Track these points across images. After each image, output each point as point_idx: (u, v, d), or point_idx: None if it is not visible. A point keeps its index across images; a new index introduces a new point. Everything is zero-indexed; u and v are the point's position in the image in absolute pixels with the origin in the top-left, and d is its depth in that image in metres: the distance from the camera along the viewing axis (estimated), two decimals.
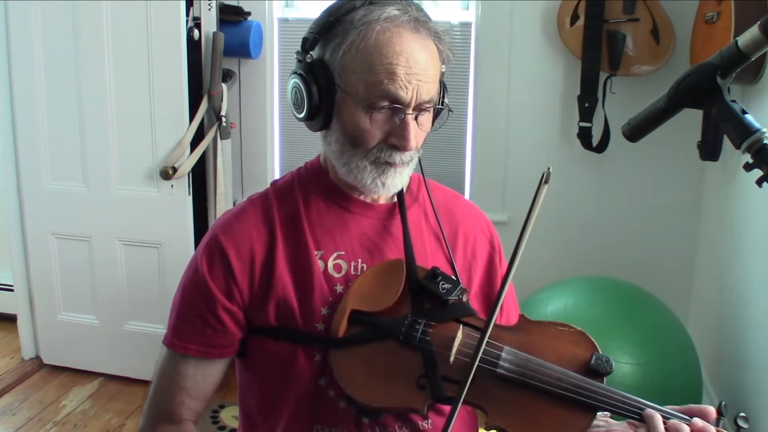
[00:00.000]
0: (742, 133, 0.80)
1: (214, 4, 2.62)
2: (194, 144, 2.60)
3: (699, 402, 2.25)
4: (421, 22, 0.97)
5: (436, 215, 1.12)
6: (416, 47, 0.95)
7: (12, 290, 2.96)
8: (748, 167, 0.81)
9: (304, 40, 0.99)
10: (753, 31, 0.77)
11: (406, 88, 0.94)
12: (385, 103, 0.95)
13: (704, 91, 0.82)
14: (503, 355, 0.94)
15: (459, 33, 2.86)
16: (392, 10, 0.95)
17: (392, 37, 0.94)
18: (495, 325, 1.01)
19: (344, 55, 0.95)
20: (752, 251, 2.14)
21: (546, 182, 0.86)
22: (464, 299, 1.02)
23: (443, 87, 1.03)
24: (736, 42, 0.79)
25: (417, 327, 0.97)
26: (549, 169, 0.86)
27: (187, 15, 2.55)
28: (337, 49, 0.96)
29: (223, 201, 2.71)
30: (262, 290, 1.02)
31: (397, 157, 0.99)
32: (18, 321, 2.95)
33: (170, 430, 1.03)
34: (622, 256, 2.83)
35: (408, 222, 1.07)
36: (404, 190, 1.10)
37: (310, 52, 0.99)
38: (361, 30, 0.94)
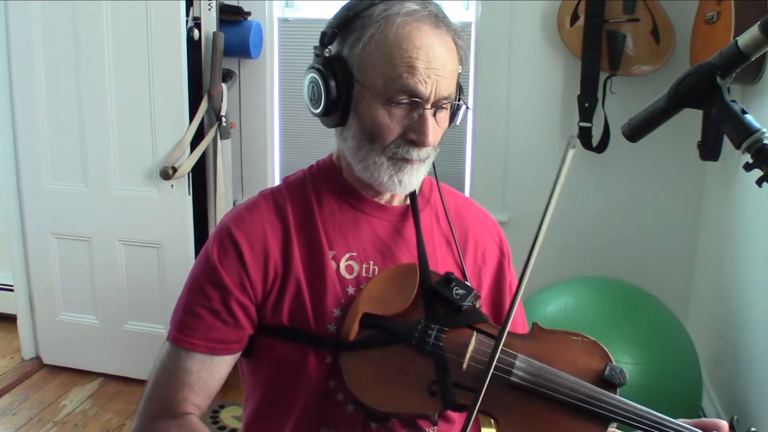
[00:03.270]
0: (742, 133, 0.80)
1: (214, 4, 2.62)
2: (194, 144, 2.60)
3: (699, 402, 2.26)
4: (440, 18, 0.97)
5: (448, 219, 1.11)
6: (436, 42, 0.95)
7: (12, 290, 2.96)
8: (748, 167, 0.81)
9: (323, 34, 0.98)
10: (753, 31, 0.77)
11: (426, 82, 0.93)
12: (404, 98, 0.94)
13: (704, 91, 0.82)
14: (517, 363, 0.93)
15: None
16: (412, 5, 0.95)
17: (412, 32, 0.93)
18: (508, 332, 1.00)
19: (363, 49, 0.95)
20: (752, 251, 2.14)
21: (573, 147, 0.83)
22: (477, 305, 1.00)
23: (459, 87, 1.02)
24: (736, 42, 0.79)
25: (430, 332, 0.96)
26: (573, 136, 0.83)
27: (187, 15, 2.55)
28: (356, 43, 0.95)
29: (223, 201, 2.71)
30: (277, 288, 1.00)
31: (414, 153, 0.98)
32: (18, 321, 2.95)
33: (173, 423, 0.99)
34: (622, 256, 2.83)
35: (420, 225, 1.06)
36: (417, 193, 1.09)
37: (329, 47, 0.98)
38: (381, 24, 0.94)
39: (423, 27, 0.94)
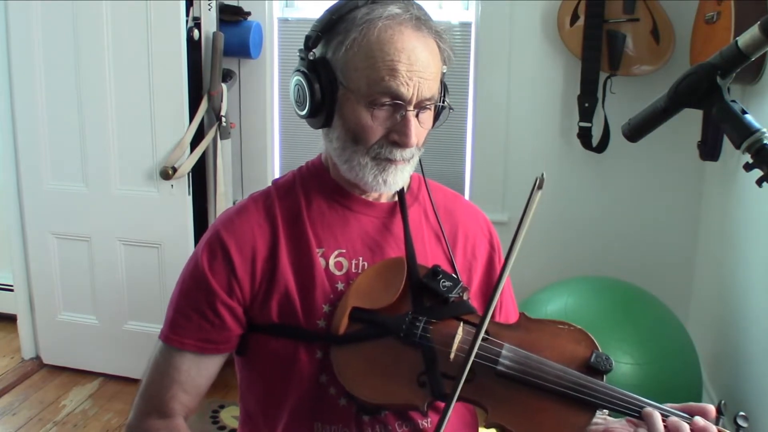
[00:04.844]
0: (742, 133, 0.80)
1: (214, 4, 2.62)
2: (194, 144, 2.60)
3: (698, 402, 2.25)
4: (422, 21, 0.98)
5: (436, 215, 1.12)
6: (418, 45, 0.96)
7: (12, 290, 2.96)
8: (748, 167, 0.81)
9: (307, 38, 1.00)
10: (753, 31, 0.77)
11: (408, 84, 0.95)
12: (387, 100, 0.96)
13: (704, 91, 0.83)
14: (503, 352, 0.94)
15: (459, 33, 2.86)
16: (394, 8, 0.96)
17: (394, 35, 0.95)
18: (495, 323, 1.01)
19: (346, 52, 0.96)
20: (752, 251, 2.14)
21: (539, 188, 0.86)
22: (465, 297, 1.02)
23: (444, 87, 1.04)
24: (736, 42, 0.79)
25: (418, 324, 0.98)
26: (543, 174, 0.86)
27: (187, 15, 2.55)
28: (339, 46, 0.97)
29: (223, 201, 2.72)
30: (265, 287, 1.02)
31: (398, 153, 0.99)
32: (18, 321, 2.95)
33: (160, 425, 1.02)
34: (622, 256, 2.83)
35: (408, 221, 1.08)
36: (405, 190, 1.11)
37: (313, 50, 1.00)
38: (363, 27, 0.95)
39: (405, 30, 0.96)
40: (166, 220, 2.65)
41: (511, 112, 2.82)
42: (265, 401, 1.07)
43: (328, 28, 0.98)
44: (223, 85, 2.66)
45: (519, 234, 0.88)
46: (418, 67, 0.95)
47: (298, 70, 1.01)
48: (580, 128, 2.69)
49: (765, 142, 0.79)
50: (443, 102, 1.04)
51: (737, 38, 0.79)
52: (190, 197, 2.65)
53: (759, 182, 0.79)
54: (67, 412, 2.61)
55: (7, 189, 2.81)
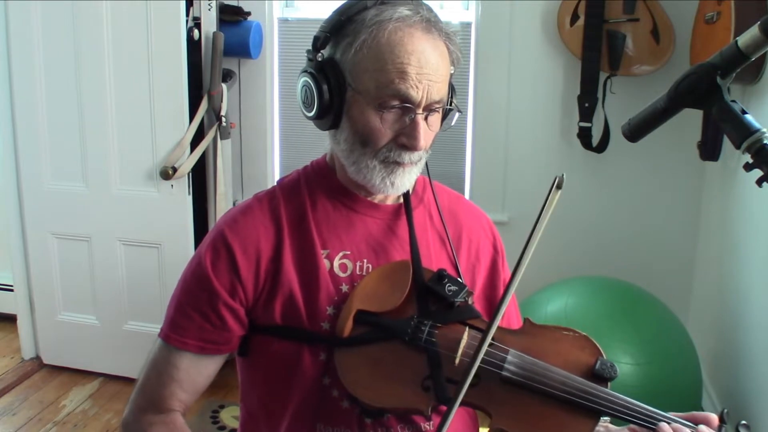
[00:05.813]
0: (742, 133, 0.80)
1: (214, 4, 2.62)
2: (194, 144, 2.60)
3: (699, 402, 2.26)
4: (432, 23, 0.98)
5: (441, 217, 1.12)
6: (427, 47, 0.96)
7: (12, 290, 2.96)
8: (748, 167, 0.81)
9: (315, 38, 0.99)
10: (753, 31, 0.77)
11: (417, 87, 0.94)
12: (396, 103, 0.95)
13: (704, 91, 0.82)
14: (509, 357, 0.94)
15: (459, 33, 2.85)
16: (404, 10, 0.96)
17: (404, 37, 0.94)
18: (500, 328, 1.01)
19: (356, 53, 0.96)
20: (752, 251, 2.14)
21: (558, 188, 0.85)
22: (470, 302, 1.02)
23: (451, 88, 1.03)
24: (736, 42, 0.79)
25: (423, 328, 0.97)
26: (563, 175, 0.85)
27: (187, 15, 2.55)
28: (348, 48, 0.96)
29: (223, 201, 2.72)
30: (268, 288, 1.02)
31: (406, 156, 0.99)
32: (18, 321, 2.95)
33: (158, 419, 1.02)
34: (622, 256, 2.83)
35: (413, 223, 1.07)
36: (410, 192, 1.10)
37: (321, 51, 0.99)
38: (373, 29, 0.94)
39: (415, 32, 0.95)
40: (166, 220, 2.65)
41: (511, 112, 2.82)
42: (268, 402, 1.07)
43: (337, 29, 0.98)
44: (223, 85, 2.66)
45: (535, 234, 0.87)
46: (427, 69, 0.95)
47: (306, 71, 1.00)
48: (580, 128, 2.69)
49: (765, 142, 0.78)
50: (451, 104, 1.03)
51: (737, 38, 0.79)
52: (190, 197, 2.65)
53: (759, 182, 0.79)
54: (67, 412, 2.61)
55: (7, 189, 2.81)
